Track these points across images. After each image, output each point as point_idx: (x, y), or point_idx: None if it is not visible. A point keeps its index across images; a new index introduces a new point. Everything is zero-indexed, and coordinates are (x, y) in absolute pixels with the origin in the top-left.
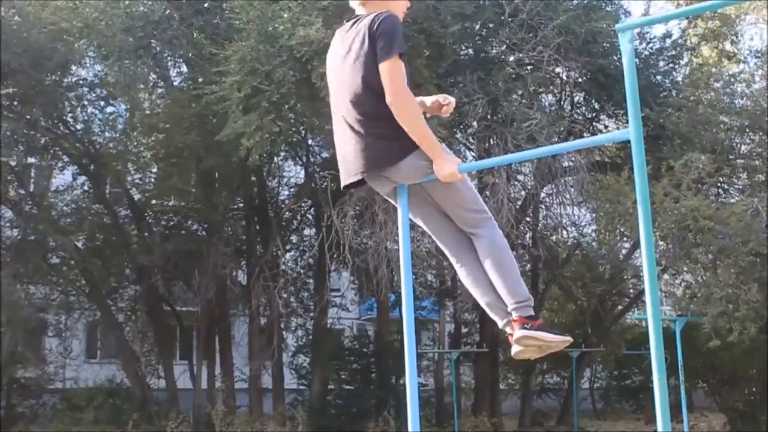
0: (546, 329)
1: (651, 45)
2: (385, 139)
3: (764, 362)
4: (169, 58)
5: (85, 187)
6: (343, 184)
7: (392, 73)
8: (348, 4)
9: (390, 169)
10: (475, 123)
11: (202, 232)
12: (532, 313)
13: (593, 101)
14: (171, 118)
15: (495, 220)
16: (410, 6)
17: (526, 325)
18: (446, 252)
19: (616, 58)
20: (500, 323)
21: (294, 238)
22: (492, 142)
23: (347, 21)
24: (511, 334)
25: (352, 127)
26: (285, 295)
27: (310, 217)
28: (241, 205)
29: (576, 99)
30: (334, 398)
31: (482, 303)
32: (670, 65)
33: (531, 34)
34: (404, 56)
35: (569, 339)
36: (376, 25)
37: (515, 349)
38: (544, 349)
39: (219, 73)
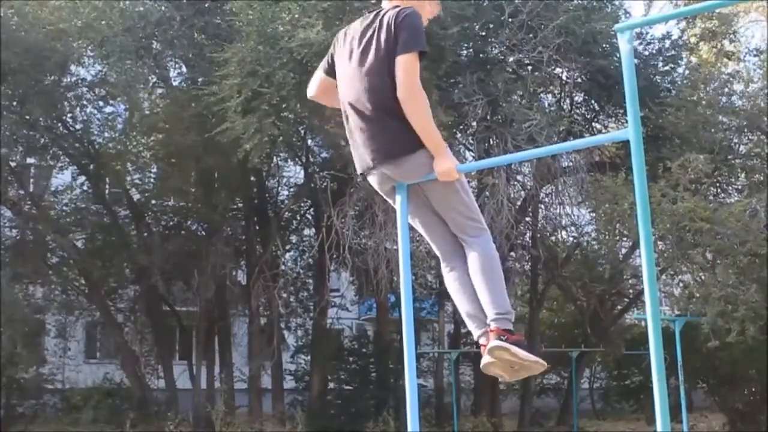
0: (522, 346)
1: (650, 45)
2: (393, 132)
3: (764, 362)
4: (169, 58)
5: (85, 187)
6: (359, 171)
7: (408, 67)
8: (348, 6)
9: (393, 163)
10: (474, 123)
11: (201, 233)
12: (511, 328)
13: (593, 101)
14: (170, 118)
15: (490, 233)
16: (436, 16)
17: (502, 337)
18: (439, 255)
19: (615, 59)
20: (476, 334)
21: (294, 239)
22: (492, 142)
23: (369, 12)
24: (485, 345)
25: (363, 115)
26: (285, 295)
27: (309, 217)
28: (240, 205)
29: (576, 99)
30: (334, 398)
31: (463, 311)
32: (669, 66)
33: (531, 35)
34: (423, 56)
35: (544, 364)
36: (401, 18)
37: (485, 360)
38: (516, 368)
39: (219, 75)
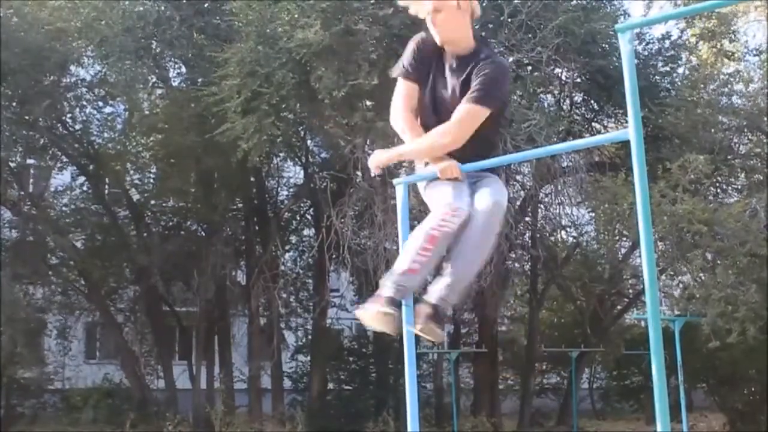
0: (393, 302)
1: (650, 45)
2: None
3: (764, 362)
4: (168, 58)
5: (84, 188)
6: None
7: None
8: (347, 6)
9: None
10: None
11: (201, 233)
12: (385, 294)
13: (592, 101)
14: (170, 118)
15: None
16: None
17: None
18: None
19: (615, 59)
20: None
21: (293, 239)
22: None
23: None
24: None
25: None
26: (284, 296)
27: (309, 217)
28: (240, 205)
29: (575, 99)
30: (334, 398)
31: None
32: (669, 66)
33: (530, 35)
34: (401, 74)
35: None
36: None
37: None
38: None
39: (219, 76)
